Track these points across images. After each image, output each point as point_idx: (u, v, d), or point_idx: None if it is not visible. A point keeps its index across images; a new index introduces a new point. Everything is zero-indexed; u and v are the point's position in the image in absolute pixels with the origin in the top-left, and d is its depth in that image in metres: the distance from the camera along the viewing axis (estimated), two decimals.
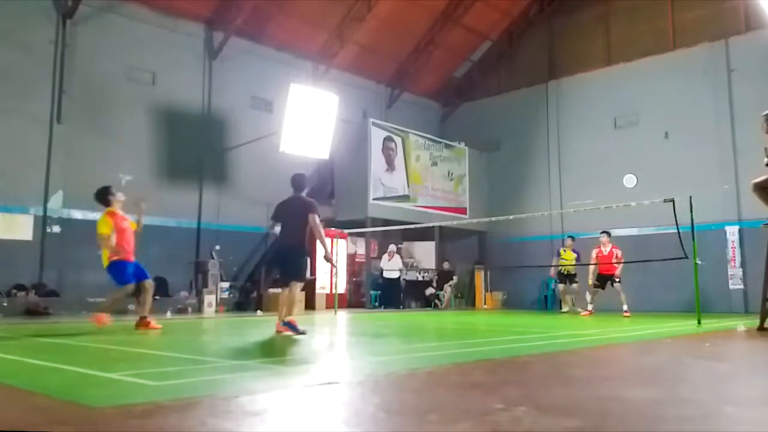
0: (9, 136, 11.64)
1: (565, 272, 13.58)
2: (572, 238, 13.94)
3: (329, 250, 7.02)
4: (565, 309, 13.89)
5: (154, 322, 7.24)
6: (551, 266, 14.66)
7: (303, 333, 6.36)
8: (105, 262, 7.15)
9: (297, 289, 6.71)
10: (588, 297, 12.39)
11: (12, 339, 6.22)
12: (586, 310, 12.17)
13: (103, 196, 7.34)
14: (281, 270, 6.89)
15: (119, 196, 7.42)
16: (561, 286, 13.95)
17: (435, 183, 17.64)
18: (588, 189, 16.61)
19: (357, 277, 16.84)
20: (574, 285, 13.60)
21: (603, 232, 12.35)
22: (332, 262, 7.12)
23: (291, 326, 6.38)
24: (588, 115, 17.37)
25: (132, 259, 7.27)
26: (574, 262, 13.44)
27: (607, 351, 5.43)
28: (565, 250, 13.66)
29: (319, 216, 6.77)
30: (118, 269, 7.10)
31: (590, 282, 12.32)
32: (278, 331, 6.44)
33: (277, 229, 6.94)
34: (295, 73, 15.86)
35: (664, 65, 16.03)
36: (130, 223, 7.45)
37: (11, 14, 11.91)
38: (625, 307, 11.74)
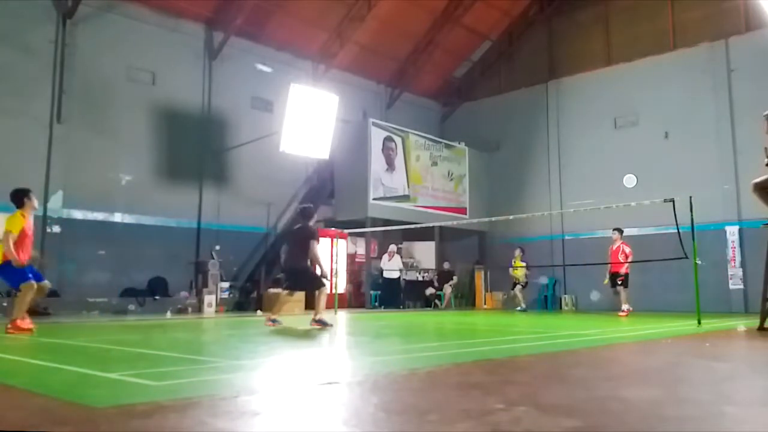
0: (9, 136, 11.65)
1: (515, 280, 14.91)
2: (521, 249, 15.10)
3: (324, 270, 8.46)
4: (520, 308, 14.53)
5: (26, 322, 6.86)
6: (552, 266, 14.75)
7: (330, 325, 7.94)
8: None
9: (324, 293, 8.19)
10: (621, 297, 12.10)
11: (12, 339, 6.22)
12: (622, 310, 11.77)
13: (20, 198, 7.09)
14: (305, 287, 8.77)
15: (34, 203, 7.21)
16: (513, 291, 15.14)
17: (435, 183, 17.64)
18: (588, 189, 16.61)
19: (357, 278, 16.83)
20: (516, 289, 14.80)
21: (614, 229, 12.38)
22: (325, 275, 8.46)
23: (322, 321, 7.78)
24: (588, 115, 17.37)
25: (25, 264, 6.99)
26: (523, 271, 14.80)
27: (607, 351, 5.43)
28: (514, 260, 14.96)
29: (317, 242, 8.29)
30: (12, 270, 6.86)
31: (605, 281, 12.35)
32: (312, 326, 7.82)
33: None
34: (295, 73, 15.87)
35: (664, 65, 16.03)
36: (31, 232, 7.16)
37: (11, 14, 11.92)
38: (624, 307, 11.72)
